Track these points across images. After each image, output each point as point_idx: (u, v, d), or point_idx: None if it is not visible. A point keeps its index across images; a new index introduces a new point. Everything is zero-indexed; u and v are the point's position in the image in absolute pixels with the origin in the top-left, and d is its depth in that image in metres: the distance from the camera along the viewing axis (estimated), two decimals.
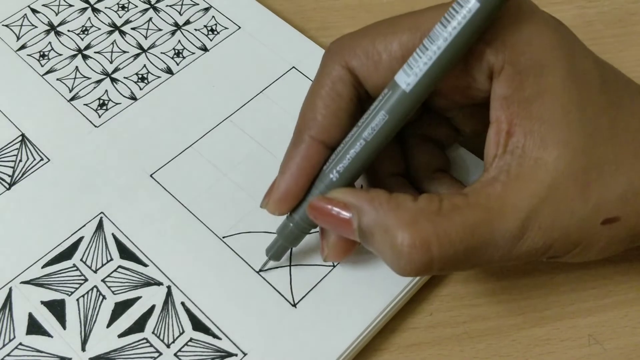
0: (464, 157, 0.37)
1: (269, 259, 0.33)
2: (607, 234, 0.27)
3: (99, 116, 0.39)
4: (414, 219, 0.27)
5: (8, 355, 0.31)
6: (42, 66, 0.41)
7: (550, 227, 0.27)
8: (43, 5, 0.43)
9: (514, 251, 0.27)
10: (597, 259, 0.29)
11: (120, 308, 0.32)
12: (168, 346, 0.31)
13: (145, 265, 0.34)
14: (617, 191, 0.27)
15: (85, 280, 0.33)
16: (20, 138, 0.38)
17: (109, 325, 0.32)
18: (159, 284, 0.33)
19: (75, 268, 0.33)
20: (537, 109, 0.27)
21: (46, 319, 0.32)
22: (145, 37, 0.42)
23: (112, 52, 0.41)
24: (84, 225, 0.35)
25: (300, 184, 0.30)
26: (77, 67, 0.41)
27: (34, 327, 0.32)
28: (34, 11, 0.43)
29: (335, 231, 0.30)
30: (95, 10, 0.43)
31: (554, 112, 0.27)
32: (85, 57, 0.41)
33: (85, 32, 0.42)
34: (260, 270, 0.33)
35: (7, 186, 0.36)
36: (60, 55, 0.41)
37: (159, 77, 0.40)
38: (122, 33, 0.42)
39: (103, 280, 0.33)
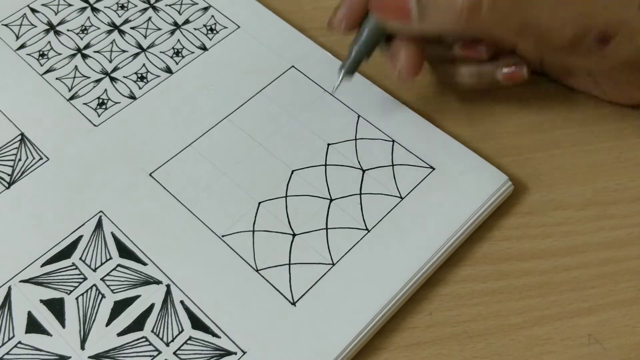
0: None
1: (343, 75, 0.35)
2: None
3: (98, 115, 0.39)
4: None
5: (7, 353, 0.31)
6: (41, 65, 0.41)
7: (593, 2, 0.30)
8: (42, 4, 0.43)
9: (561, 11, 0.30)
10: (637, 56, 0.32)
11: (120, 307, 0.32)
12: (167, 345, 0.31)
13: (144, 264, 0.34)
14: None
15: (85, 278, 0.33)
16: (19, 137, 0.38)
17: (108, 324, 0.32)
18: (158, 282, 0.33)
19: (74, 267, 0.33)
20: None
21: (45, 317, 0.32)
22: (145, 37, 0.42)
23: (111, 51, 0.41)
24: (83, 224, 0.35)
25: None
26: (76, 66, 0.41)
27: (33, 326, 0.32)
28: (33, 11, 0.43)
29: (395, 18, 0.33)
30: (94, 10, 0.43)
31: None
32: (84, 56, 0.41)
33: (85, 32, 0.42)
34: (333, 92, 0.37)
35: (7, 185, 0.36)
36: (60, 54, 0.41)
37: (158, 76, 0.40)
38: (122, 32, 0.42)
39: (102, 279, 0.33)
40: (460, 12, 0.30)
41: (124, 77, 0.40)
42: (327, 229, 0.35)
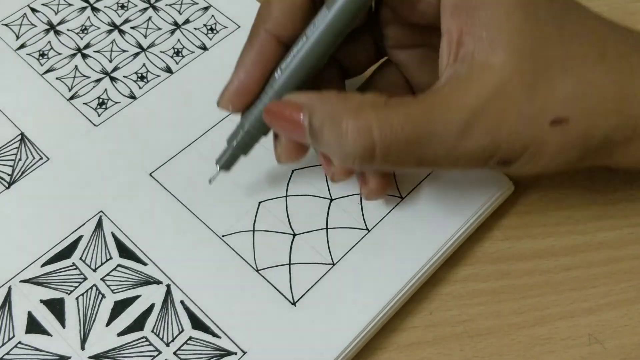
0: None
1: (219, 170, 0.34)
2: (558, 138, 0.27)
3: (99, 115, 0.39)
4: (359, 107, 0.28)
5: (7, 354, 0.31)
6: (41, 65, 0.41)
7: (497, 126, 0.27)
8: (42, 4, 0.43)
9: (460, 148, 0.27)
10: (551, 169, 0.29)
11: (120, 307, 0.32)
12: (167, 345, 0.31)
13: (144, 263, 0.33)
14: (564, 92, 0.27)
15: (85, 279, 0.33)
16: (19, 137, 0.38)
17: (108, 324, 0.32)
18: (158, 282, 0.33)
19: (74, 267, 0.33)
20: (484, 15, 0.27)
21: (45, 317, 0.32)
22: (145, 36, 0.42)
23: (111, 51, 0.41)
24: (84, 224, 0.35)
25: (254, 78, 0.31)
26: (76, 66, 0.41)
27: (34, 326, 0.32)
28: (33, 10, 0.43)
29: (288, 135, 0.31)
30: (94, 10, 0.43)
31: (499, 17, 0.27)
32: (84, 56, 0.41)
33: (85, 31, 0.42)
34: (210, 182, 0.35)
35: (7, 185, 0.36)
36: (60, 54, 0.41)
37: (158, 76, 0.40)
38: (122, 32, 0.42)
39: (102, 279, 0.33)
40: (352, 160, 0.28)
41: (124, 76, 0.40)
42: (327, 228, 0.35)
